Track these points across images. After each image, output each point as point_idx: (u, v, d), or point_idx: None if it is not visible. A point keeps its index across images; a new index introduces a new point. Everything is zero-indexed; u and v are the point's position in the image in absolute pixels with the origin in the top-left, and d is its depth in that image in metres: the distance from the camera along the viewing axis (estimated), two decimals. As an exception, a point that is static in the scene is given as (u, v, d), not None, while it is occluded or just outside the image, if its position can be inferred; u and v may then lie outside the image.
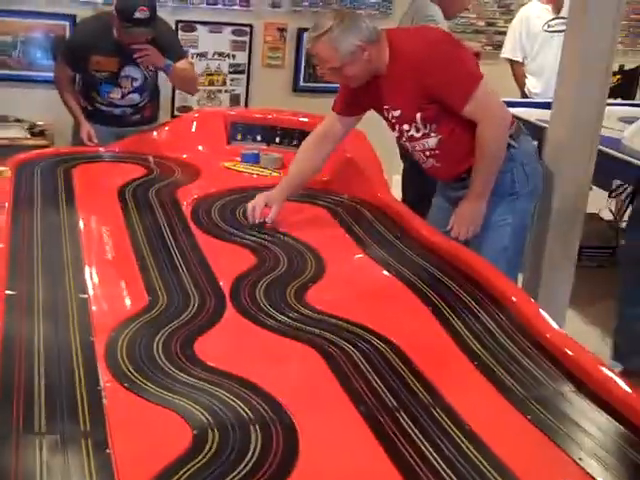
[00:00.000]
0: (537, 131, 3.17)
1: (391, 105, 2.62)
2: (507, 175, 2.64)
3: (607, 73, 3.03)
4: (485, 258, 2.35)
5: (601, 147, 3.59)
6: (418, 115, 2.58)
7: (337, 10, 2.71)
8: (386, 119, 2.71)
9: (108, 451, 1.33)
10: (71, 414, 1.44)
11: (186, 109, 4.97)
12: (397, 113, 2.62)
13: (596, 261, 4.45)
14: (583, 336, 3.58)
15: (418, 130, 2.62)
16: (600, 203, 4.33)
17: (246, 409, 1.50)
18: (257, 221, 2.58)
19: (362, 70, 2.53)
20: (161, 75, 3.86)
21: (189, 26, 4.98)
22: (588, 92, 2.92)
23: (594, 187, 4.03)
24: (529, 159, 2.74)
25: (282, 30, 5.21)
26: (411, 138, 2.67)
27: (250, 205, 2.62)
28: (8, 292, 1.89)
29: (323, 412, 1.54)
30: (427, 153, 2.69)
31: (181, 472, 1.29)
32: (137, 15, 3.43)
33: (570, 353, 1.76)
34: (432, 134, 2.62)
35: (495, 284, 2.10)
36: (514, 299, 2.01)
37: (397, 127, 2.67)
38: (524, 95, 4.98)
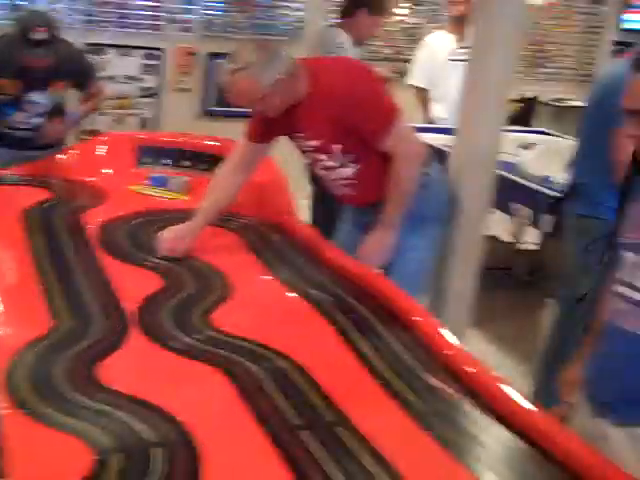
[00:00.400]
0: (442, 156, 3.26)
1: (308, 135, 2.61)
2: (418, 200, 2.69)
3: (505, 102, 3.16)
4: (394, 281, 2.39)
5: (501, 172, 3.75)
6: (337, 147, 2.59)
7: (257, 41, 2.67)
8: (298, 147, 2.71)
9: None
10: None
11: (94, 133, 4.91)
12: (315, 143, 2.61)
13: (496, 282, 4.57)
14: (483, 354, 3.70)
15: (335, 160, 2.64)
16: (500, 226, 4.47)
17: (149, 432, 1.49)
18: (165, 254, 2.52)
19: (280, 101, 2.50)
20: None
21: (98, 49, 4.93)
22: (487, 119, 3.03)
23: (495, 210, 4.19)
24: (438, 185, 2.81)
25: (192, 54, 5.22)
26: (327, 167, 2.68)
27: (160, 237, 2.57)
28: None
29: (227, 433, 1.55)
30: (342, 182, 2.71)
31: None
32: (34, 36, 3.35)
33: (471, 370, 1.81)
34: (349, 164, 2.64)
35: (400, 305, 2.15)
36: (418, 318, 2.06)
37: (312, 156, 2.69)
38: (430, 121, 5.11)
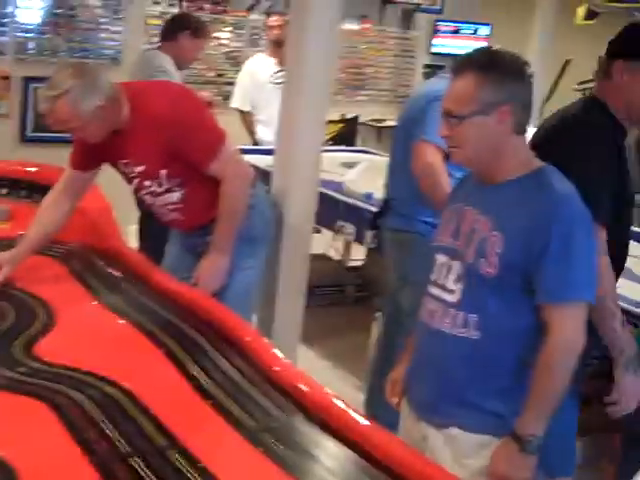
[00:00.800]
0: (268, 177, 3.32)
1: (132, 160, 2.58)
2: (246, 221, 2.71)
3: (322, 123, 3.27)
4: (225, 302, 2.41)
5: (325, 191, 3.86)
6: (163, 172, 2.58)
7: (75, 66, 2.58)
8: (123, 173, 2.67)
9: None
10: None
11: None
12: (140, 169, 2.58)
13: (328, 299, 4.70)
14: (317, 371, 3.78)
15: (161, 185, 2.62)
16: (329, 244, 4.60)
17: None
18: None
19: (101, 127, 2.46)
20: None
21: None
22: (305, 140, 3.11)
23: (322, 228, 4.31)
24: (264, 205, 2.86)
25: (6, 78, 5.01)
26: (153, 193, 2.66)
27: None
28: None
29: (50, 467, 1.50)
30: (170, 207, 2.70)
31: None
32: None
33: (300, 386, 1.84)
34: (175, 189, 2.63)
35: (229, 326, 2.16)
36: (247, 339, 2.08)
37: (137, 182, 2.65)
38: (255, 143, 5.18)
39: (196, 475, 1.49)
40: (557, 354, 1.77)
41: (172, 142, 2.49)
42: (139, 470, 1.49)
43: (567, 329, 1.77)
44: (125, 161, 2.61)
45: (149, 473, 1.49)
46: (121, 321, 2.24)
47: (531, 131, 2.05)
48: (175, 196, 2.66)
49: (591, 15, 6.48)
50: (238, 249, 2.72)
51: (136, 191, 2.75)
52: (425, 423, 1.93)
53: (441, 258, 1.92)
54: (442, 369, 1.88)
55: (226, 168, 2.60)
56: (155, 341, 2.09)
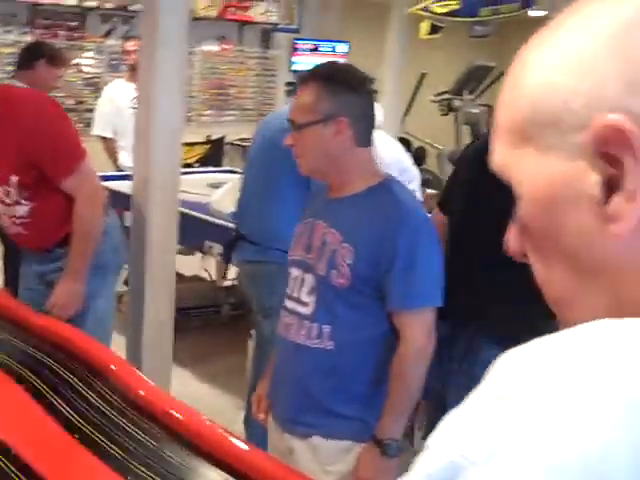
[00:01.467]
0: (128, 201, 3.27)
1: None
2: (97, 248, 2.65)
3: (179, 145, 3.26)
4: (84, 330, 2.35)
5: (191, 212, 3.84)
6: (14, 178, 2.51)
7: None
8: None
9: None
10: None
11: None
12: None
13: (203, 320, 4.66)
14: (195, 392, 3.73)
15: (8, 195, 2.55)
16: (201, 265, 4.57)
17: None
18: None
19: None
20: None
21: None
22: (162, 162, 3.09)
23: (193, 250, 4.27)
24: (115, 232, 2.81)
25: None
26: (2, 203, 2.59)
27: None
28: None
29: None
30: (17, 221, 2.62)
31: None
32: None
33: (171, 410, 1.81)
34: (24, 202, 2.56)
35: (94, 355, 2.10)
36: (112, 366, 2.03)
37: None
38: (119, 169, 5.09)
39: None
40: (408, 361, 1.83)
41: (30, 149, 2.46)
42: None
43: (416, 335, 1.83)
44: None
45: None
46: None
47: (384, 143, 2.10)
48: (23, 210, 2.58)
49: (435, 29, 6.76)
50: (91, 276, 2.65)
51: None
52: (289, 435, 1.95)
53: (295, 272, 1.95)
54: (300, 381, 1.91)
55: (82, 186, 2.56)
56: (14, 378, 2.01)
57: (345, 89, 1.85)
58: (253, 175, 3.01)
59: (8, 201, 2.57)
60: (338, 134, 1.83)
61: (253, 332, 3.48)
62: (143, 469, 1.63)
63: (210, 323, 4.67)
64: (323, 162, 1.87)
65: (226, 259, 3.30)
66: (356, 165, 1.88)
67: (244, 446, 1.69)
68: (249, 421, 3.08)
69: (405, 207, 1.86)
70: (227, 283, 4.50)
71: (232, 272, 4.51)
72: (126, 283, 3.36)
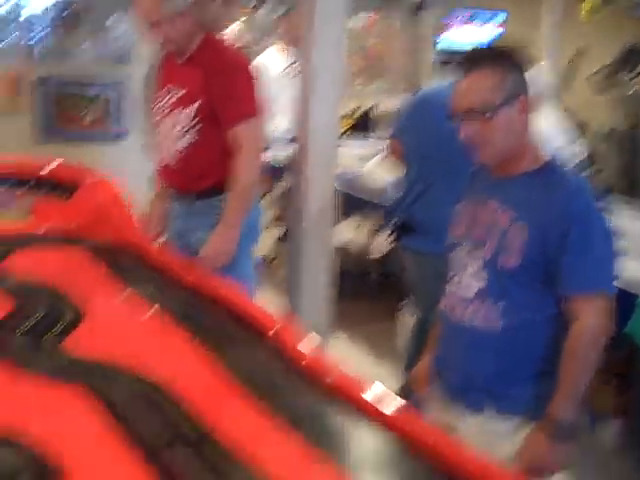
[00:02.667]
0: (278, 170, 3.33)
1: (179, 84, 2.68)
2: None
3: (338, 115, 3.28)
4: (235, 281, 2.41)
5: (344, 183, 3.85)
6: (196, 104, 2.63)
7: None
8: (157, 108, 2.75)
9: None
10: None
11: None
12: (181, 93, 2.66)
13: (351, 289, 4.67)
14: (347, 358, 3.77)
15: (175, 126, 2.68)
16: (352, 234, 4.60)
17: (8, 461, 1.41)
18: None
19: (175, 34, 2.61)
20: None
21: None
22: (321, 134, 3.12)
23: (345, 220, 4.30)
24: (257, 199, 2.87)
25: (19, 79, 5.01)
26: (172, 128, 2.69)
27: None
28: None
29: (94, 455, 1.49)
30: (173, 152, 2.72)
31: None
32: None
33: (333, 372, 1.82)
34: (188, 135, 2.66)
35: (256, 314, 2.14)
36: (276, 328, 2.05)
37: (167, 112, 2.71)
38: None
39: (235, 463, 1.47)
40: (582, 342, 1.77)
41: (219, 85, 2.59)
42: (177, 458, 1.47)
43: (591, 319, 1.77)
44: (171, 85, 2.70)
45: (188, 462, 1.47)
46: (151, 313, 2.22)
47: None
48: (183, 142, 2.67)
49: (596, 9, 6.49)
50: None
51: (157, 125, 2.79)
52: (457, 408, 1.92)
53: (459, 252, 1.91)
54: (469, 360, 1.88)
55: (248, 139, 2.61)
56: (186, 332, 2.07)
57: (516, 67, 1.84)
58: (419, 161, 2.97)
59: (174, 131, 2.67)
60: (522, 112, 1.82)
61: (404, 304, 3.47)
62: (310, 428, 1.63)
63: (358, 292, 4.69)
64: (510, 144, 1.84)
65: (390, 240, 3.29)
66: (529, 144, 1.86)
67: (412, 412, 1.67)
68: (405, 392, 3.08)
69: (576, 188, 1.81)
70: (377, 253, 4.52)
71: (383, 245, 4.52)
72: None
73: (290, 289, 3.18)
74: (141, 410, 1.66)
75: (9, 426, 1.52)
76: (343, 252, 4.83)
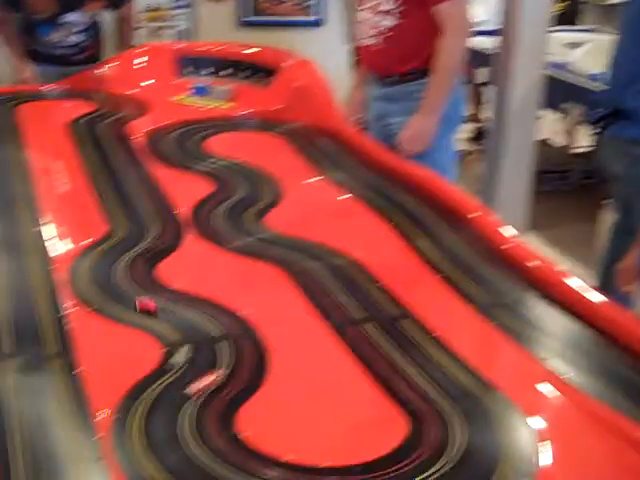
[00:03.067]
0: (480, 57, 3.19)
1: None
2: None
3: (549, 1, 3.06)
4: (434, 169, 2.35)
5: (549, 72, 3.64)
6: None
7: None
8: None
9: (77, 372, 1.32)
10: (37, 338, 1.42)
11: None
12: None
13: (551, 186, 4.51)
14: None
15: (380, 4, 2.61)
16: (554, 128, 4.39)
17: (214, 326, 1.50)
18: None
19: None
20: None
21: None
22: (530, 20, 2.95)
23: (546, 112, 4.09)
24: (462, 87, 2.74)
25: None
26: (374, 9, 2.64)
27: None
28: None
29: (289, 326, 1.55)
30: (377, 33, 2.66)
31: (154, 385, 1.29)
32: None
33: (533, 263, 1.77)
34: (393, 14, 2.59)
35: (456, 201, 2.10)
36: (476, 214, 2.01)
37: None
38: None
39: (430, 344, 1.48)
40: None
41: None
42: (373, 335, 1.50)
43: None
44: None
45: (383, 339, 1.49)
46: (347, 196, 2.24)
47: None
48: (389, 22, 2.61)
49: None
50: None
51: (360, 4, 2.75)
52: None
53: None
54: None
55: (455, 17, 2.52)
56: (381, 215, 2.08)
57: None
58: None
59: (379, 8, 2.61)
60: None
61: (607, 202, 3.28)
62: (507, 315, 1.60)
63: (557, 189, 4.51)
64: None
65: (596, 131, 3.09)
66: None
67: (613, 305, 1.60)
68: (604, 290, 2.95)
69: None
70: (579, 149, 4.30)
71: (585, 138, 4.29)
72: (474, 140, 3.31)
73: (486, 185, 3.11)
74: (340, 286, 1.69)
75: (211, 295, 1.60)
76: (544, 146, 4.65)
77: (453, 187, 2.20)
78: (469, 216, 2.01)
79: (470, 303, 1.65)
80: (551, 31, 4.68)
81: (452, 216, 2.05)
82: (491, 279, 1.76)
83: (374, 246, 1.93)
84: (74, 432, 1.20)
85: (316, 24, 5.31)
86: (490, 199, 3.12)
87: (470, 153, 4.89)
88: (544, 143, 4.67)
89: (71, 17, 3.63)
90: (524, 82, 3.02)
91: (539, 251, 1.84)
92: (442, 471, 1.14)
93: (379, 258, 1.83)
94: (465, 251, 1.88)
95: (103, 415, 1.22)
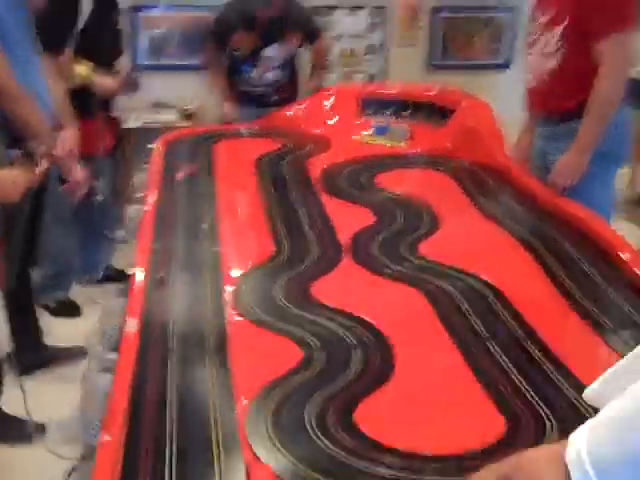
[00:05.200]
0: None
1: (548, 4, 2.68)
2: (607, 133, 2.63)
3: None
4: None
5: None
6: (560, 26, 2.61)
7: None
8: (531, 29, 2.80)
9: (228, 367, 1.55)
10: (199, 340, 1.67)
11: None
12: (544, 19, 2.68)
13: None
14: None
15: (547, 44, 2.68)
16: None
17: (350, 336, 1.68)
18: None
19: None
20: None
21: (326, 10, 5.17)
22: None
23: None
24: (627, 125, 2.75)
25: (416, 9, 5.31)
26: (541, 52, 2.72)
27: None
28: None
29: (418, 338, 1.71)
30: (544, 71, 2.73)
31: (292, 380, 1.50)
32: None
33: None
34: (559, 53, 2.65)
35: (606, 239, 2.15)
36: (626, 255, 2.04)
37: (534, 42, 2.75)
38: None
39: (549, 365, 1.57)
40: None
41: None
42: (495, 353, 1.62)
43: None
44: (544, 5, 2.71)
45: (504, 357, 1.60)
46: (499, 228, 2.35)
47: None
48: (553, 61, 2.67)
49: None
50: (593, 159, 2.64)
51: (530, 47, 2.81)
52: None
53: None
54: None
55: (614, 54, 2.51)
56: (528, 248, 2.17)
57: None
58: None
59: (544, 50, 2.69)
60: None
61: None
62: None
63: None
64: None
65: None
66: None
67: None
68: None
69: None
70: None
71: None
72: None
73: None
74: (473, 307, 1.83)
75: (352, 310, 1.80)
76: None
77: (606, 225, 2.24)
78: (622, 255, 2.05)
79: (604, 338, 1.70)
80: None
81: (601, 254, 2.10)
82: (625, 312, 1.81)
83: (513, 275, 2.03)
84: (221, 414, 1.41)
85: (505, 66, 5.42)
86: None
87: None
88: None
89: (270, 52, 4.00)
90: None
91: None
92: None
93: (516, 287, 1.94)
94: (611, 292, 1.93)
95: (244, 401, 1.43)
